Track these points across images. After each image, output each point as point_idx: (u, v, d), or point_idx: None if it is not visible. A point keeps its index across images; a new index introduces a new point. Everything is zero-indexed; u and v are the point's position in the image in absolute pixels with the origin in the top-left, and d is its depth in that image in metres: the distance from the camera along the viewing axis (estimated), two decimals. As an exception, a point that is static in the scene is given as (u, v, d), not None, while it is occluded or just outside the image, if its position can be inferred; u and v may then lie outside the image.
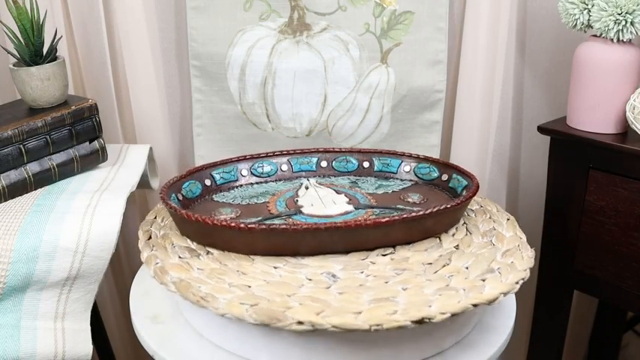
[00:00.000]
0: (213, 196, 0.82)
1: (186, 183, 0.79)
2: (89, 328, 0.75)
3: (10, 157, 0.77)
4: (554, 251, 0.91)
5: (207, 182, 0.82)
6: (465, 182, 0.80)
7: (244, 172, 0.84)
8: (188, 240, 0.71)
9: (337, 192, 0.82)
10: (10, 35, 0.80)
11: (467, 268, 0.65)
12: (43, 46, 0.81)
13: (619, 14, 0.78)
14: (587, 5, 0.81)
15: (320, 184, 0.85)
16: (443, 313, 0.56)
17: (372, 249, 0.69)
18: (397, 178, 0.87)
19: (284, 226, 0.65)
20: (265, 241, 0.66)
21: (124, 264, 1.14)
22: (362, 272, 0.65)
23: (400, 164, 0.87)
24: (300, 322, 0.55)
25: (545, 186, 0.91)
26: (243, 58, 0.99)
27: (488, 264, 0.66)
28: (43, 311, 0.72)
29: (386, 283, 0.62)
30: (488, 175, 1.04)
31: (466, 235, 0.73)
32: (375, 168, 0.88)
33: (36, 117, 0.79)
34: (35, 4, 0.79)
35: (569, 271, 0.90)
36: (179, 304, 0.73)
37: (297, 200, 0.79)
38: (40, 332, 0.72)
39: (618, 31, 0.79)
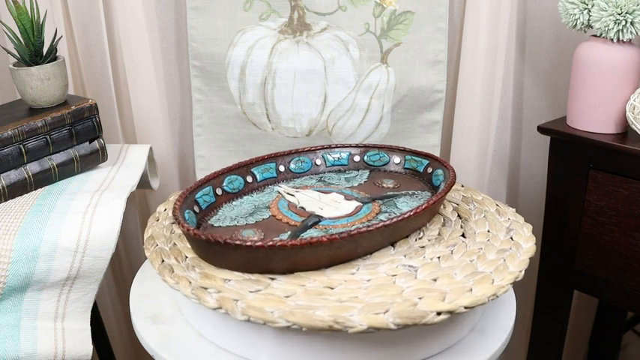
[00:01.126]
0: (209, 220, 0.76)
1: (186, 211, 0.73)
2: (89, 328, 0.75)
3: (10, 157, 0.77)
4: (554, 251, 0.91)
5: (196, 209, 0.75)
6: (425, 161, 0.85)
7: (219, 192, 0.80)
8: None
9: (327, 192, 0.81)
10: (10, 35, 0.80)
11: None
12: (43, 46, 0.81)
13: (619, 14, 0.78)
14: (587, 5, 0.81)
15: (296, 188, 0.84)
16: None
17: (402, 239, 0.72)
18: (352, 169, 0.89)
19: (344, 234, 0.63)
20: (330, 252, 0.65)
21: (124, 264, 1.14)
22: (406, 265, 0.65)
23: (349, 155, 0.90)
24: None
25: (545, 186, 0.91)
26: (243, 58, 0.99)
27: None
28: (43, 311, 0.72)
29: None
30: (489, 175, 1.04)
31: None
32: (328, 163, 0.89)
33: (36, 117, 0.79)
34: (35, 4, 0.79)
35: (569, 271, 0.90)
36: (179, 304, 0.73)
37: (302, 207, 0.77)
38: (40, 332, 0.72)
39: (618, 31, 0.79)
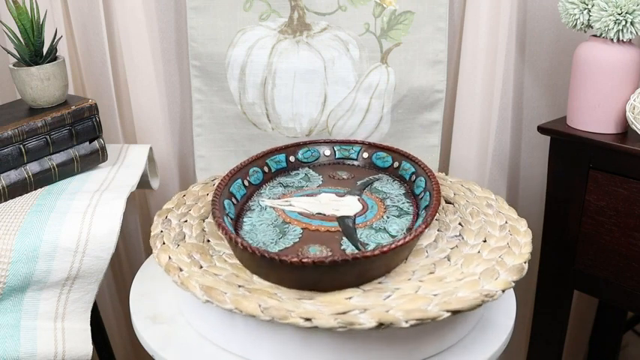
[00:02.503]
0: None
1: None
2: (89, 328, 0.75)
3: (10, 157, 0.77)
4: (554, 251, 0.91)
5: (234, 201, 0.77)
6: (357, 148, 0.88)
7: (292, 159, 0.87)
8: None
9: (315, 194, 0.79)
10: (10, 35, 0.80)
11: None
12: (43, 46, 0.81)
13: (619, 14, 0.78)
14: (587, 5, 0.81)
15: (278, 198, 0.80)
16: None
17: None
18: (291, 170, 0.87)
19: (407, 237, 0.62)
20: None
21: (124, 264, 1.14)
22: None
23: (286, 157, 0.88)
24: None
25: (545, 186, 0.91)
26: (243, 58, 0.99)
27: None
28: (43, 311, 0.72)
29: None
30: (489, 175, 1.04)
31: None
32: (273, 169, 0.86)
33: (36, 117, 0.79)
34: (35, 4, 0.79)
35: (569, 271, 0.90)
36: (179, 304, 0.73)
37: (320, 213, 0.74)
38: (40, 332, 0.72)
39: (618, 31, 0.79)
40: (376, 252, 0.59)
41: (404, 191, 0.81)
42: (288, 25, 0.99)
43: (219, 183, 0.75)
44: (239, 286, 0.62)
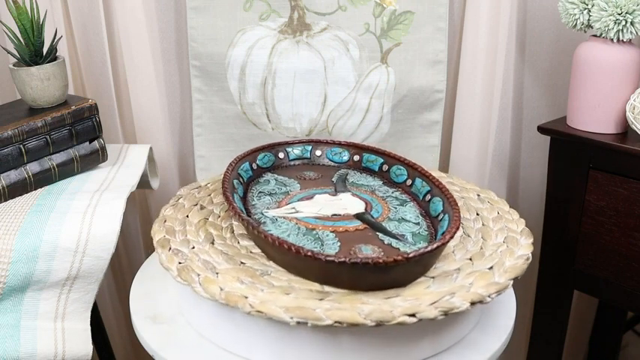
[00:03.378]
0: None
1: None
2: (89, 328, 0.75)
3: (10, 157, 0.77)
4: (554, 251, 0.91)
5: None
6: (308, 147, 0.88)
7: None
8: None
9: (309, 197, 0.78)
10: (10, 35, 0.80)
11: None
12: (43, 46, 0.81)
13: (619, 14, 0.78)
14: (587, 5, 0.81)
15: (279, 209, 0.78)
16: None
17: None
18: (256, 177, 0.85)
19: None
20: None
21: (124, 264, 1.14)
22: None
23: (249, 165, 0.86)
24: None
25: (545, 186, 0.91)
26: (243, 58, 0.99)
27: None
28: (43, 311, 0.72)
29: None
30: (489, 175, 1.04)
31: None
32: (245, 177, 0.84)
33: (36, 117, 0.79)
34: (35, 4, 0.79)
35: (569, 271, 0.90)
36: (179, 304, 0.73)
37: (336, 214, 0.74)
38: (39, 332, 0.72)
39: (618, 31, 0.79)
40: (447, 238, 0.62)
41: (382, 181, 0.84)
42: (288, 25, 0.99)
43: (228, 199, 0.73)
44: (320, 300, 0.59)
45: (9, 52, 0.82)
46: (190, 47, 1.01)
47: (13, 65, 0.82)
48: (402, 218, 0.73)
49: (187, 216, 0.76)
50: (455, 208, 0.68)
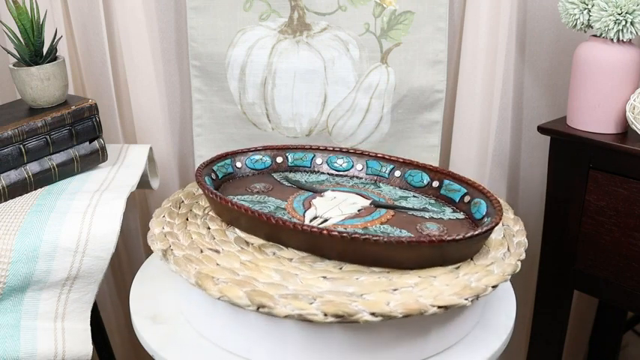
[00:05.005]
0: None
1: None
2: (89, 328, 0.75)
3: (10, 157, 0.77)
4: (554, 251, 0.91)
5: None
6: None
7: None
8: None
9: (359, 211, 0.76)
10: (10, 35, 0.80)
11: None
12: (43, 46, 0.81)
13: (619, 14, 0.78)
14: (587, 5, 0.81)
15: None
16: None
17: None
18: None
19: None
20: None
21: (124, 264, 1.14)
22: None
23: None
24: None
25: (545, 186, 0.91)
26: (243, 58, 0.99)
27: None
28: (43, 311, 0.72)
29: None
30: (489, 175, 1.04)
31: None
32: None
33: (36, 117, 0.79)
34: (35, 4, 0.79)
35: (569, 271, 0.90)
36: (179, 304, 0.73)
37: (355, 211, 0.75)
38: (40, 332, 0.72)
39: (618, 31, 0.79)
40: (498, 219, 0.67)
41: (325, 175, 0.87)
42: (288, 25, 0.99)
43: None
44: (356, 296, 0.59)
45: (9, 52, 0.82)
46: (190, 47, 1.01)
47: (13, 65, 0.82)
48: (400, 196, 0.77)
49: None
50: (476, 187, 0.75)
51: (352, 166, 0.87)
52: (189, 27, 1.00)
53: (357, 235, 0.61)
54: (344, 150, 0.89)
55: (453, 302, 0.58)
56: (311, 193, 0.79)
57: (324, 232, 0.62)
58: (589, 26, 0.82)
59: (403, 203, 0.78)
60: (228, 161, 0.84)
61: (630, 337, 1.31)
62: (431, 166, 0.83)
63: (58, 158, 0.81)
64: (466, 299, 0.59)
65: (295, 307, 0.56)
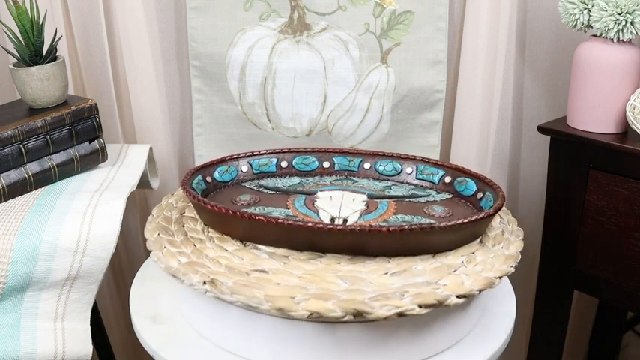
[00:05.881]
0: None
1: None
2: (89, 328, 0.75)
3: (10, 157, 0.77)
4: (554, 251, 0.91)
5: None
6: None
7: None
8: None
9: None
10: (10, 35, 0.80)
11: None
12: (43, 46, 0.81)
13: (619, 14, 0.78)
14: (587, 5, 0.81)
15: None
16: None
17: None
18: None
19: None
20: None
21: (124, 264, 1.14)
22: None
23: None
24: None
25: (545, 186, 0.91)
26: (243, 58, 0.99)
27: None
28: (43, 311, 0.72)
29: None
30: (489, 175, 1.04)
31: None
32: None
33: (36, 117, 0.79)
34: (35, 4, 0.79)
35: (569, 271, 0.90)
36: (179, 304, 0.73)
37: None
38: (40, 332, 0.72)
39: (618, 31, 0.79)
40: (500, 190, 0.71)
41: (299, 178, 0.86)
42: (288, 25, 0.99)
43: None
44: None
45: (9, 52, 0.82)
46: (190, 47, 1.01)
47: (13, 65, 0.82)
48: (384, 187, 0.80)
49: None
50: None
51: (319, 165, 0.86)
52: (189, 27, 1.00)
53: (415, 227, 0.62)
54: (308, 150, 0.87)
55: (507, 271, 0.64)
56: (303, 197, 0.77)
57: (384, 229, 0.62)
58: (589, 26, 0.82)
59: (391, 193, 0.80)
60: (199, 177, 0.79)
61: (630, 337, 1.31)
62: (398, 154, 0.86)
63: (58, 158, 0.81)
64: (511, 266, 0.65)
65: (393, 307, 0.57)
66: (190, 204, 0.77)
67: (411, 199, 0.78)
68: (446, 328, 0.65)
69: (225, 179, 0.81)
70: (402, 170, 0.84)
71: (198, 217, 0.74)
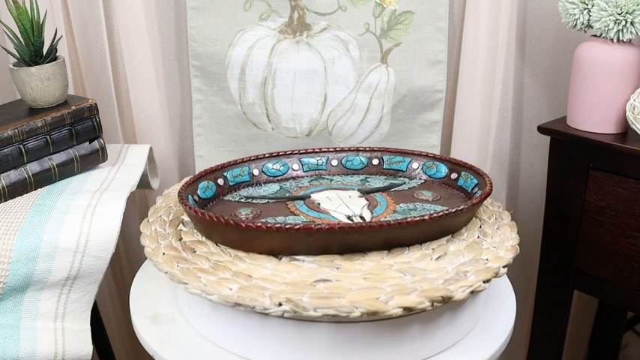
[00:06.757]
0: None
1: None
2: (89, 328, 0.75)
3: (10, 157, 0.77)
4: (554, 251, 0.91)
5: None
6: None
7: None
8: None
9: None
10: (10, 35, 0.80)
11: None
12: (43, 46, 0.81)
13: (619, 14, 0.78)
14: (587, 5, 0.81)
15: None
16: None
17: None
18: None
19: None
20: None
21: (124, 264, 1.14)
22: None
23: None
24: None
25: (545, 186, 0.91)
26: (243, 58, 0.99)
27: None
28: (43, 311, 0.72)
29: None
30: (489, 175, 1.04)
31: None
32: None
33: (36, 117, 0.79)
34: (35, 4, 0.79)
35: (569, 271, 0.90)
36: (179, 304, 0.73)
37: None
38: (40, 332, 0.72)
39: (618, 31, 0.79)
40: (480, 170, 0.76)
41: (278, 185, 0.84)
42: (288, 25, 0.99)
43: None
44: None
45: (9, 52, 0.82)
46: (190, 47, 1.01)
47: (13, 65, 0.82)
48: (361, 180, 0.83)
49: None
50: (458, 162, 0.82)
51: (289, 168, 0.85)
52: (189, 27, 1.00)
53: (446, 212, 0.66)
54: (274, 155, 0.85)
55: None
56: (302, 202, 0.76)
57: (426, 218, 0.65)
58: (589, 26, 0.82)
59: (371, 185, 0.82)
60: (190, 197, 0.74)
61: (630, 337, 1.31)
62: (362, 147, 0.87)
63: (58, 158, 0.81)
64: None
65: (467, 287, 0.59)
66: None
67: (396, 189, 0.80)
68: (446, 328, 0.65)
69: (209, 195, 0.77)
70: (368, 162, 0.86)
71: (208, 237, 0.70)
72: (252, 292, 0.59)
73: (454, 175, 0.82)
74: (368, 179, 0.85)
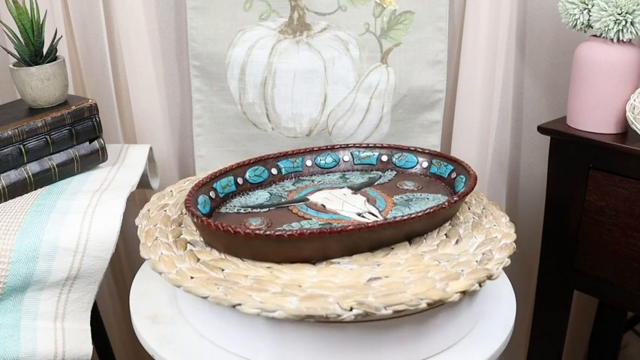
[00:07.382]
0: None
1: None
2: (89, 328, 0.75)
3: (10, 157, 0.77)
4: (554, 251, 0.91)
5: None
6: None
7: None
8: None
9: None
10: (10, 35, 0.80)
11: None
12: (43, 46, 0.81)
13: (619, 14, 0.78)
14: (587, 5, 0.81)
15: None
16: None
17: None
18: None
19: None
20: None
21: (124, 264, 1.14)
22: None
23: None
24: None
25: (545, 186, 0.91)
26: (243, 58, 0.99)
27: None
28: (43, 311, 0.72)
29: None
30: (489, 175, 1.04)
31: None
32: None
33: (36, 117, 0.79)
34: (35, 4, 0.79)
35: (569, 271, 0.90)
36: (179, 304, 0.73)
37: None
38: (39, 332, 0.72)
39: (618, 31, 0.79)
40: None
41: (269, 193, 0.82)
42: (288, 25, 0.99)
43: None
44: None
45: (9, 52, 0.82)
46: (190, 47, 1.01)
47: (13, 65, 0.82)
48: (339, 177, 0.84)
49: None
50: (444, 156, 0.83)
51: (269, 175, 0.83)
52: (189, 27, 1.00)
53: (450, 203, 0.69)
54: (252, 161, 0.82)
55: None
56: (304, 205, 0.76)
57: (445, 204, 0.68)
58: (589, 26, 0.82)
59: (354, 181, 0.83)
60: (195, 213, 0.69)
61: (630, 337, 1.31)
62: (332, 145, 0.88)
63: (58, 158, 0.81)
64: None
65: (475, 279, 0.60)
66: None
67: (379, 182, 0.82)
68: (446, 328, 0.65)
69: (207, 210, 0.73)
70: (340, 160, 0.87)
71: (230, 253, 0.67)
72: (318, 302, 0.56)
73: (425, 164, 0.85)
74: (346, 176, 0.85)
